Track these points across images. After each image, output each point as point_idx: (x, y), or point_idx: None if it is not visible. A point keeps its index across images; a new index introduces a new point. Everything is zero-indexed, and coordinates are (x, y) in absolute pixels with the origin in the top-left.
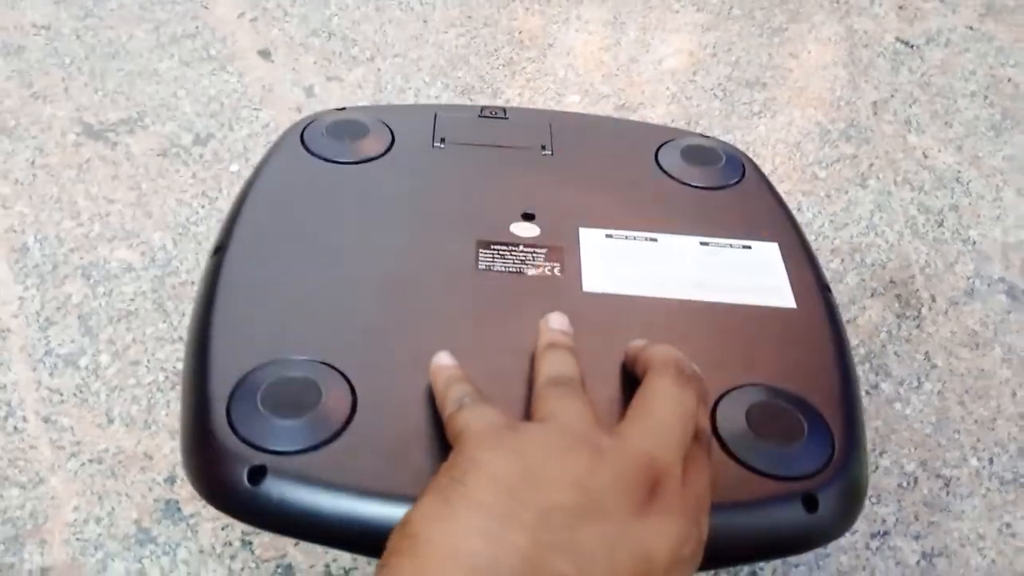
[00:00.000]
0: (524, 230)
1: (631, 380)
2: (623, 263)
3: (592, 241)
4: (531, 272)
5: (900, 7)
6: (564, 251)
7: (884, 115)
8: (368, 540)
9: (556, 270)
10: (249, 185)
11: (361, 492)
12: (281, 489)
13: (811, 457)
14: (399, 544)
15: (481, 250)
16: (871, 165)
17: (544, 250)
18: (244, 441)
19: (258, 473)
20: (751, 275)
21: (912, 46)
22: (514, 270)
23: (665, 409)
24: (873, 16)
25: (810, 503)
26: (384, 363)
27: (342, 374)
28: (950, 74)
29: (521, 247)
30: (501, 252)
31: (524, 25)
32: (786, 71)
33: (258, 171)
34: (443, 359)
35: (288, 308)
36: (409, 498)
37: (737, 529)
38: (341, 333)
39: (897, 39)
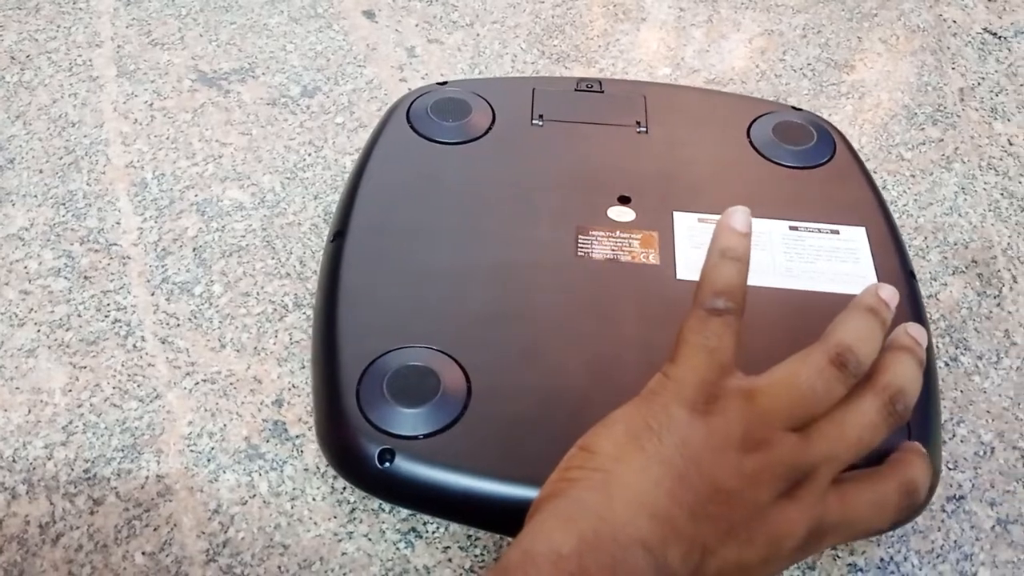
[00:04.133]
0: (620, 214)
1: None
2: None
3: (686, 226)
4: (627, 259)
5: None
6: (659, 237)
7: (970, 102)
8: (490, 516)
9: (652, 257)
10: (361, 167)
11: (481, 473)
12: (408, 470)
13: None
14: (586, 474)
15: (580, 236)
16: (956, 149)
17: (639, 236)
18: (373, 425)
19: (387, 455)
20: (838, 261)
21: (1000, 37)
22: (611, 257)
23: (856, 431)
24: (962, 6)
25: None
26: (494, 351)
27: (457, 362)
28: None
29: (618, 233)
30: (599, 239)
31: None
32: (875, 55)
33: (368, 152)
34: (738, 219)
35: (405, 296)
36: (525, 478)
37: None
38: (454, 321)
39: (985, 30)
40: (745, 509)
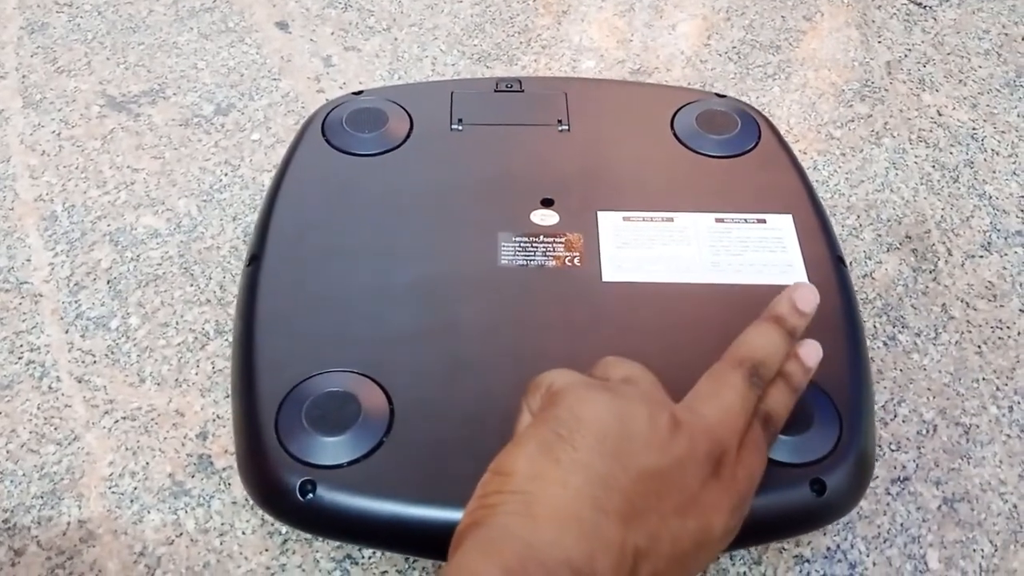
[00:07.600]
0: (544, 218)
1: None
2: (640, 247)
3: (610, 225)
4: (552, 264)
5: None
6: (583, 239)
7: (898, 75)
8: (421, 542)
9: (576, 260)
10: (276, 187)
11: (406, 499)
12: (330, 500)
13: (819, 443)
14: (505, 498)
15: (503, 243)
16: (885, 124)
17: (563, 239)
18: (292, 456)
19: (308, 486)
20: (766, 252)
21: (925, 7)
22: (535, 263)
23: (734, 396)
24: None
25: (818, 487)
26: (416, 370)
27: (379, 384)
28: (963, 33)
29: (541, 237)
30: (522, 245)
31: None
32: (799, 33)
33: (283, 171)
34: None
35: (324, 319)
36: (453, 501)
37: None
38: (375, 342)
39: (910, 0)
40: (677, 492)
